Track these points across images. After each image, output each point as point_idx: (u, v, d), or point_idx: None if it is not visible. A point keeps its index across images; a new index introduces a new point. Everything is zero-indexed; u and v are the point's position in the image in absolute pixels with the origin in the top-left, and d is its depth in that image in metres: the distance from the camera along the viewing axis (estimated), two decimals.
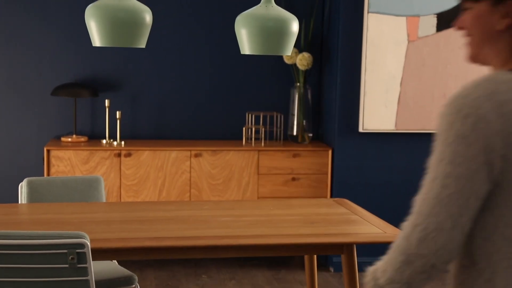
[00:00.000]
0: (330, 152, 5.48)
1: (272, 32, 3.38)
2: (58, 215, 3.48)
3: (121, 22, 3.21)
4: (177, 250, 3.09)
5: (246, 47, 3.43)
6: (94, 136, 5.66)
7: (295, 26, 3.43)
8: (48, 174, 5.19)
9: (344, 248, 3.25)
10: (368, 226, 3.40)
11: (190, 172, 5.36)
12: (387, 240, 3.22)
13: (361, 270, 5.44)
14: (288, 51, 3.46)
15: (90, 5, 3.23)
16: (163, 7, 5.63)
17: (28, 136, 5.58)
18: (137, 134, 5.71)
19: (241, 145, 5.53)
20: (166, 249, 3.07)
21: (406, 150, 5.49)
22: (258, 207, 3.78)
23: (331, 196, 5.50)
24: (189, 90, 5.75)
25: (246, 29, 3.40)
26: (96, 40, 3.24)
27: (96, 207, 3.73)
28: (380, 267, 1.85)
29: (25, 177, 5.53)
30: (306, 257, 3.91)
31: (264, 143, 5.60)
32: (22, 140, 5.58)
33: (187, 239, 3.09)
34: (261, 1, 3.45)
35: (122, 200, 5.29)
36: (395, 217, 5.50)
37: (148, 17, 3.29)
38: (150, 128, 5.73)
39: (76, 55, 5.58)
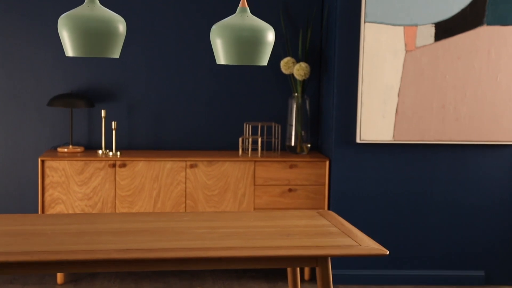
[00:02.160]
0: (327, 163, 5.43)
1: (247, 42, 3.34)
2: (31, 226, 3.47)
3: (93, 32, 3.18)
4: (144, 262, 3.06)
5: (221, 57, 3.40)
6: (91, 147, 5.65)
7: (270, 36, 3.38)
8: (43, 185, 5.19)
9: (318, 260, 3.19)
10: (345, 238, 3.35)
11: (185, 183, 5.34)
12: (360, 253, 3.16)
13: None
14: (264, 61, 3.41)
15: (62, 15, 3.21)
16: (160, 18, 5.62)
17: (24, 147, 5.59)
18: (134, 144, 5.70)
19: (237, 155, 5.49)
20: (133, 262, 3.03)
21: (404, 161, 5.41)
22: (238, 219, 3.73)
23: (329, 208, 5.45)
24: (186, 100, 5.72)
25: (220, 39, 3.36)
26: (69, 50, 3.22)
27: (70, 218, 3.71)
28: None
29: (21, 188, 5.56)
30: (288, 270, 3.86)
31: (261, 153, 5.56)
32: (18, 150, 5.59)
33: (156, 251, 3.05)
34: (237, 11, 3.41)
35: (117, 211, 5.27)
36: (392, 228, 5.44)
37: (121, 27, 3.26)
38: (146, 138, 5.71)
39: (72, 65, 5.58)
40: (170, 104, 5.71)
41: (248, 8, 3.42)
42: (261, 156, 5.46)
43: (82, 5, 3.24)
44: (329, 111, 5.50)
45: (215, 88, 5.75)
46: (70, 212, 5.22)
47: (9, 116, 5.57)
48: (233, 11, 5.41)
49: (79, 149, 5.49)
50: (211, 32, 3.41)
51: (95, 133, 5.66)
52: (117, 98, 5.66)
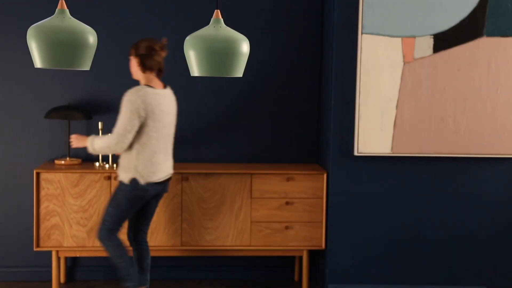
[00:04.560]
0: (325, 176, 5.36)
1: (220, 53, 3.30)
2: None
3: (62, 43, 3.15)
4: None
5: (194, 69, 3.36)
6: (89, 159, 5.64)
7: (245, 47, 3.34)
8: (38, 197, 5.19)
9: None
10: None
11: (181, 195, 5.30)
12: None
13: None
14: (239, 73, 3.37)
15: (31, 26, 3.19)
16: (159, 28, 5.61)
17: (22, 159, 5.59)
18: None
19: (234, 168, 5.44)
20: None
21: (402, 174, 5.33)
22: None
23: (326, 220, 5.37)
24: (183, 112, 5.68)
25: (194, 51, 3.33)
26: (37, 62, 3.20)
27: None
28: (97, 142, 4.61)
29: (19, 201, 5.57)
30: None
31: (258, 165, 5.51)
32: (16, 162, 5.59)
33: None
34: (210, 22, 3.38)
35: None
36: (392, 242, 5.34)
37: (91, 38, 3.23)
38: None
39: (70, 78, 5.58)
40: None
41: (222, 19, 3.38)
42: (258, 169, 5.41)
43: (52, 16, 3.23)
44: (327, 124, 5.44)
45: (212, 100, 5.71)
46: (65, 224, 5.21)
47: (6, 128, 5.57)
48: (235, 24, 5.40)
49: (76, 161, 5.48)
50: (184, 43, 3.37)
51: None
52: (115, 110, 5.63)
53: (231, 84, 5.67)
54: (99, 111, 5.62)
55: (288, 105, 5.74)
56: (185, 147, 5.71)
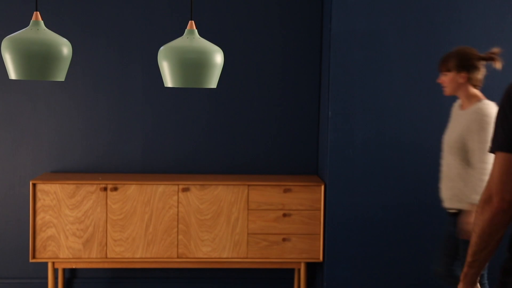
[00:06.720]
0: (322, 187, 5.31)
1: (193, 64, 3.28)
2: None
3: (35, 55, 3.15)
4: None
5: (168, 79, 3.34)
6: (86, 170, 5.64)
7: (218, 58, 3.31)
8: (34, 209, 5.19)
9: None
10: None
11: (177, 207, 5.28)
12: None
13: None
14: (212, 84, 3.35)
15: (6, 38, 3.20)
16: (157, 37, 5.61)
17: (19, 170, 5.60)
18: (126, 168, 5.67)
19: (231, 179, 5.42)
20: None
21: (402, 184, 5.25)
22: None
23: (324, 233, 5.32)
24: (180, 123, 5.68)
25: (167, 61, 3.31)
26: (12, 73, 3.21)
27: None
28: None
29: (14, 211, 5.58)
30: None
31: (255, 177, 5.48)
32: (12, 173, 5.61)
33: None
34: (184, 33, 3.36)
35: (108, 235, 5.24)
36: (388, 251, 5.27)
37: (66, 50, 3.22)
38: (139, 162, 5.67)
39: (69, 88, 5.59)
40: (163, 127, 5.67)
41: (196, 30, 3.36)
42: (255, 180, 5.37)
43: (26, 27, 3.23)
44: (324, 133, 5.39)
45: (209, 111, 5.69)
46: (61, 236, 5.21)
47: (5, 139, 5.60)
48: (230, 35, 5.39)
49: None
50: (158, 53, 3.36)
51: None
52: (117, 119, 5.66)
53: (228, 94, 5.65)
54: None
55: (287, 115, 5.70)
56: (181, 158, 5.70)
